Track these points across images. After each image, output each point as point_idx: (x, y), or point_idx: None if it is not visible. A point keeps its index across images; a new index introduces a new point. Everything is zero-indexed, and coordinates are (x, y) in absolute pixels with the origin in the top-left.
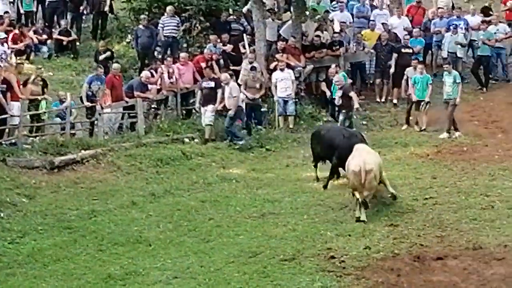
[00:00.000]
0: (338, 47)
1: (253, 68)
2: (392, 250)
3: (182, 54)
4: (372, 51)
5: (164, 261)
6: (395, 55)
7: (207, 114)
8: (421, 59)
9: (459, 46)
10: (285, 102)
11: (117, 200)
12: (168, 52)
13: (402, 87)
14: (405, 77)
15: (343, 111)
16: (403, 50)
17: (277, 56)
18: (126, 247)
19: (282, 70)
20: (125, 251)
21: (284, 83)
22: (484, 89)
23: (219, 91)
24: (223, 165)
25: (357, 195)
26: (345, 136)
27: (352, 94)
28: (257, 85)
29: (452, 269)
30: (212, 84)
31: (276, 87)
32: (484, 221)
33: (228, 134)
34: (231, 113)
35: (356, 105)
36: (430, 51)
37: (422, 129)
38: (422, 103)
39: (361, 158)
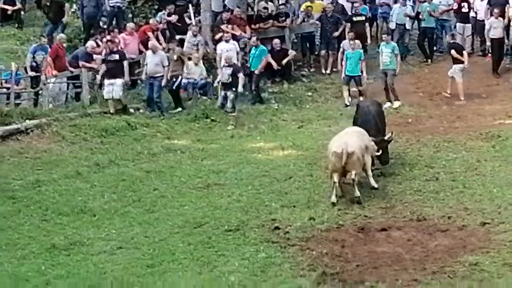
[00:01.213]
0: (284, 18)
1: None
2: (337, 221)
3: (129, 24)
4: (318, 22)
5: (109, 231)
6: (348, 25)
7: (115, 88)
8: None
9: (407, 18)
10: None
11: (62, 170)
12: (114, 22)
13: (338, 59)
14: (341, 49)
15: (233, 89)
16: (354, 19)
17: (223, 26)
18: (71, 217)
19: (227, 41)
20: (69, 221)
21: (228, 54)
22: (429, 61)
23: (125, 63)
24: (168, 136)
25: (335, 177)
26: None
27: (240, 75)
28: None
29: (396, 240)
30: (116, 56)
31: (221, 58)
32: (429, 193)
33: (155, 104)
34: (164, 82)
35: (240, 88)
36: (375, 23)
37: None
38: (352, 79)
39: (343, 140)
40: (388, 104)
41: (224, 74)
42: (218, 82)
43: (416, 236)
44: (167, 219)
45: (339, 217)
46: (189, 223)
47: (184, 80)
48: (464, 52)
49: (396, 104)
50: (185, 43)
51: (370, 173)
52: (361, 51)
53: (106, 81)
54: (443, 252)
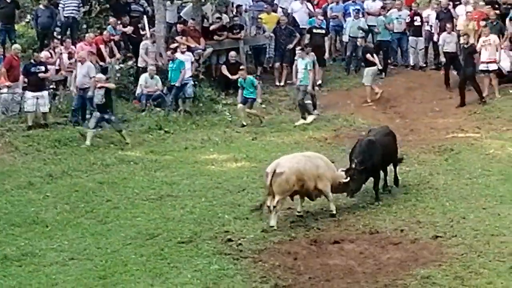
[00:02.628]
0: (238, 30)
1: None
2: (289, 233)
3: (88, 35)
4: (272, 34)
5: (61, 242)
6: (307, 36)
7: (41, 102)
8: None
9: (360, 31)
10: (184, 85)
11: (14, 180)
12: (68, 33)
13: (293, 72)
14: (295, 62)
15: (107, 111)
16: (314, 31)
17: (177, 38)
18: (23, 228)
19: (183, 52)
20: (21, 232)
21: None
22: (383, 74)
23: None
24: (121, 147)
25: (268, 201)
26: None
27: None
28: None
29: (348, 253)
30: (42, 68)
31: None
32: (381, 206)
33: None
34: (89, 94)
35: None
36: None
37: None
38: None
39: (278, 161)
40: (301, 121)
41: (97, 95)
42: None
43: (368, 249)
44: (119, 230)
45: (292, 229)
46: (141, 234)
47: (138, 91)
48: (375, 56)
49: (310, 118)
50: (140, 53)
51: (330, 198)
52: (310, 60)
53: (29, 94)
54: (395, 265)
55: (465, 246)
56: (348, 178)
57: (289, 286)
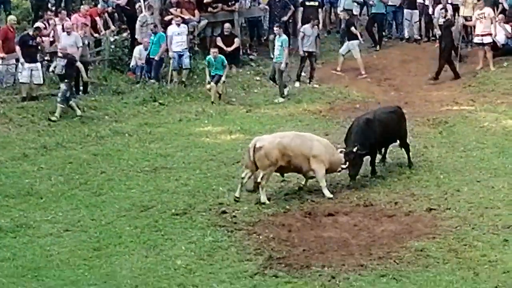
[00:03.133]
0: (233, 2)
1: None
2: (284, 206)
3: (83, 7)
4: (266, 7)
5: (55, 214)
6: (300, 9)
7: (35, 73)
8: None
9: (355, 3)
10: (180, 56)
11: (9, 152)
12: (62, 4)
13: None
14: (301, 34)
15: (66, 81)
16: (307, 3)
17: (171, 10)
18: (17, 200)
19: (178, 25)
20: (16, 204)
21: (179, 38)
22: (378, 47)
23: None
24: (115, 119)
25: (243, 173)
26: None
27: (78, 65)
28: None
29: (342, 225)
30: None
31: (171, 41)
32: (375, 178)
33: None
34: (52, 65)
35: (84, 77)
36: (323, 8)
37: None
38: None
39: (262, 136)
40: (281, 99)
41: (58, 65)
42: (53, 72)
43: (362, 222)
44: (114, 202)
45: (286, 202)
46: (136, 206)
47: (132, 63)
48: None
49: (280, 99)
50: (138, 24)
51: (322, 184)
52: (285, 37)
53: (26, 65)
54: (390, 237)
55: (459, 219)
56: (347, 164)
57: (283, 258)
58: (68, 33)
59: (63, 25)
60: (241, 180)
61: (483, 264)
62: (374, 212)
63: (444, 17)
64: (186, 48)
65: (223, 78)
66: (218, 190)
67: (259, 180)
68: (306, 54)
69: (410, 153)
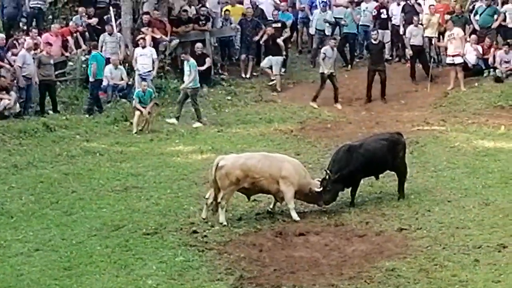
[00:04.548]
0: (204, 22)
1: None
2: (255, 225)
3: (54, 25)
4: (238, 26)
5: (26, 233)
6: (269, 29)
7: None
8: None
9: (327, 24)
10: (143, 79)
11: None
12: (34, 23)
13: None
14: (321, 55)
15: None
16: (273, 25)
17: (143, 29)
18: None
19: (143, 47)
20: None
21: (142, 59)
22: (349, 66)
23: None
24: (86, 138)
25: (207, 193)
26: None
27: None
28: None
29: (313, 245)
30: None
31: (136, 61)
32: (346, 198)
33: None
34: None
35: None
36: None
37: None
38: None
39: (226, 155)
40: (174, 120)
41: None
42: None
43: (333, 241)
44: (84, 221)
45: (257, 221)
46: (107, 226)
47: (104, 83)
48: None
49: (197, 124)
50: (103, 45)
51: (290, 206)
52: (193, 61)
53: None
54: (360, 257)
55: (430, 238)
56: (321, 188)
57: (254, 278)
58: (29, 52)
59: (35, 44)
60: (206, 201)
61: (453, 284)
62: (345, 232)
63: (375, 40)
64: (149, 71)
65: (147, 109)
66: (189, 209)
67: (219, 200)
68: (327, 75)
69: (404, 185)
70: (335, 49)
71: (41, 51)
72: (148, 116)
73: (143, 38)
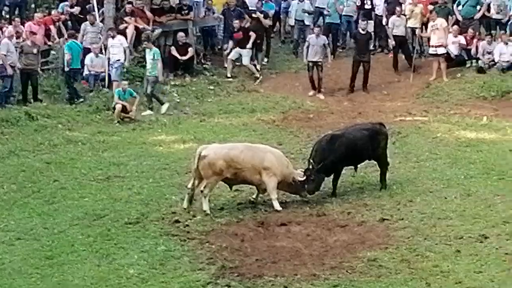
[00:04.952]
0: (187, 11)
1: None
2: (237, 215)
3: (37, 14)
4: (221, 16)
5: (8, 222)
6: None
7: None
8: None
9: (306, 14)
10: (113, 67)
11: None
12: (16, 12)
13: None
14: (306, 43)
15: None
16: (253, 15)
17: (126, 19)
18: None
19: (112, 37)
20: None
21: (112, 50)
22: (332, 56)
23: None
24: (69, 127)
25: (189, 183)
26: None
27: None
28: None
29: (295, 235)
30: None
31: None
32: (328, 189)
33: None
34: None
35: None
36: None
37: None
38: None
39: (209, 145)
40: (148, 112)
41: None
42: None
43: (315, 231)
44: (66, 210)
45: (239, 211)
46: (88, 215)
47: (86, 72)
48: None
49: (164, 107)
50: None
51: (273, 196)
52: (156, 50)
53: None
54: (342, 247)
55: (411, 229)
56: (304, 178)
57: (236, 268)
58: (10, 40)
59: (17, 32)
60: (187, 190)
61: (435, 274)
62: (327, 222)
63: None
64: (118, 60)
65: (134, 107)
66: (171, 199)
67: (201, 188)
68: (311, 63)
69: (386, 175)
70: (320, 37)
71: (23, 40)
72: (132, 113)
73: (118, 29)
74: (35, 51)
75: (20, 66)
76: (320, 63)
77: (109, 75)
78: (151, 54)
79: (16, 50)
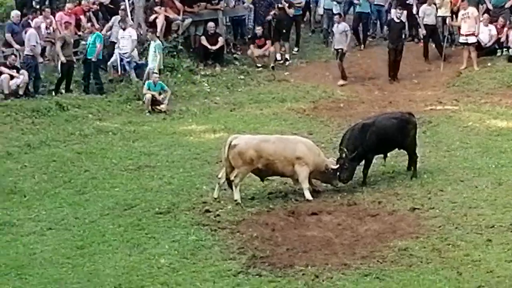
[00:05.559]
0: (217, 1)
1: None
2: (267, 204)
3: (68, 5)
4: (251, 5)
5: (39, 212)
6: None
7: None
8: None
9: (334, 2)
10: (122, 59)
11: None
12: (47, 2)
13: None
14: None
15: None
16: (280, 5)
17: (156, 8)
18: (0, 198)
19: (123, 29)
20: None
21: (122, 41)
22: (362, 46)
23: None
24: (99, 117)
25: (220, 172)
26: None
27: None
28: None
29: (326, 225)
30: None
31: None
32: (359, 178)
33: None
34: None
35: None
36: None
37: None
38: None
39: (240, 135)
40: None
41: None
42: None
43: (346, 221)
44: (97, 200)
45: (270, 200)
46: (119, 205)
47: (118, 61)
48: None
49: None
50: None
51: (304, 185)
52: (158, 43)
53: None
54: (373, 236)
55: (442, 218)
56: (338, 166)
57: (267, 257)
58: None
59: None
60: (218, 180)
61: (466, 263)
62: (358, 211)
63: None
64: (125, 54)
65: (165, 101)
66: (201, 188)
67: (232, 178)
68: (335, 51)
69: (417, 164)
70: (341, 24)
71: (54, 31)
72: (163, 106)
73: (159, 14)
74: (72, 41)
75: (63, 59)
76: (340, 50)
77: (123, 67)
78: (153, 47)
79: (57, 41)
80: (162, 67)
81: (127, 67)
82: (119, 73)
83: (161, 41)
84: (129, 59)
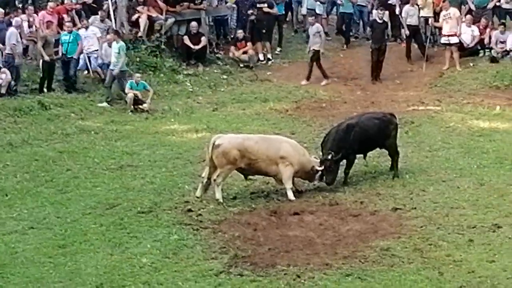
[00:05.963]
0: (200, 0)
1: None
2: (249, 204)
3: (50, 4)
4: (234, 5)
5: (21, 211)
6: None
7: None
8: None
9: (318, 2)
10: (88, 58)
11: None
12: (29, 1)
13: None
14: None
15: None
16: (258, 5)
17: (138, 8)
18: None
19: (86, 28)
20: None
21: (87, 41)
22: (345, 46)
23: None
24: (82, 116)
25: (204, 172)
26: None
27: None
28: None
29: (308, 225)
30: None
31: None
32: (341, 178)
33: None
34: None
35: None
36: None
37: None
38: None
39: (224, 134)
40: (105, 104)
41: None
42: None
43: (328, 221)
44: (79, 200)
45: (252, 200)
46: (101, 204)
47: (99, 61)
48: None
49: (103, 104)
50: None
51: (287, 185)
52: (122, 44)
53: None
54: (355, 236)
55: (424, 218)
56: (322, 168)
57: (249, 257)
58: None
59: (28, 21)
60: (201, 179)
61: (448, 264)
62: (340, 211)
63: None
64: (96, 50)
65: (148, 100)
66: (184, 188)
67: (214, 177)
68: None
69: (398, 164)
70: (314, 25)
71: (36, 30)
72: (146, 106)
73: (142, 13)
74: (53, 40)
75: (47, 58)
76: (313, 51)
77: (87, 66)
78: (117, 48)
79: (39, 40)
80: (125, 68)
81: (94, 64)
82: (91, 72)
83: (143, 40)
84: (96, 57)
